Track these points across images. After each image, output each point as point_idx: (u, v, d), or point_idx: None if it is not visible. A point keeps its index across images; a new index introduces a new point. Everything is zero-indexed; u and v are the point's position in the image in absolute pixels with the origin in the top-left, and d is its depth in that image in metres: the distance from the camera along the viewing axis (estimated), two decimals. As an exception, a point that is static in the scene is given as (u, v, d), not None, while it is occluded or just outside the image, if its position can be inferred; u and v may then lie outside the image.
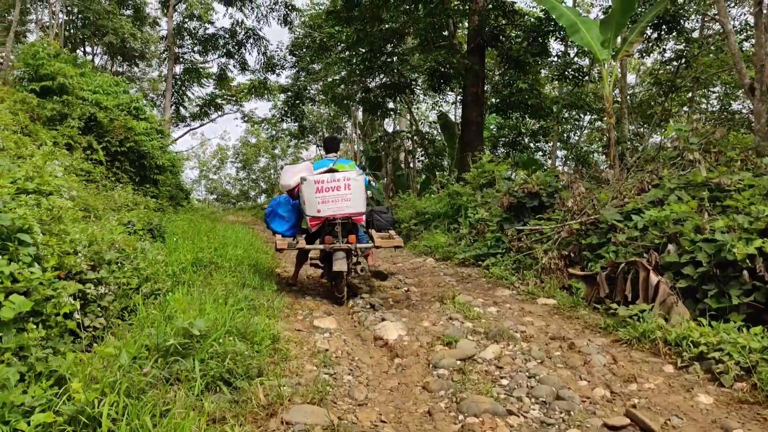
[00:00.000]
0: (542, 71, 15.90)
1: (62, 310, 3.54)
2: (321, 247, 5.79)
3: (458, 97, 21.61)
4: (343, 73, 16.07)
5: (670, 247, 5.08)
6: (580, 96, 13.95)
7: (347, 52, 15.36)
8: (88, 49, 29.54)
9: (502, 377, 3.61)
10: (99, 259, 4.79)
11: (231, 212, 33.95)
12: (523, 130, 17.46)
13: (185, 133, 38.44)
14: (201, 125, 35.28)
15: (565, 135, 21.92)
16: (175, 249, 6.66)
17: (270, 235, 7.00)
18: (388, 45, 14.98)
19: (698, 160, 5.83)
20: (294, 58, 21.93)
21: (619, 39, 10.02)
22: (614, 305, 4.77)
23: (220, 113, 35.48)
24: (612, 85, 9.72)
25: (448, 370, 3.69)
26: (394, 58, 14.55)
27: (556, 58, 14.53)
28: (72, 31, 26.31)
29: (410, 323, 4.79)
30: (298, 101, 19.05)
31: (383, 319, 4.87)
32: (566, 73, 13.48)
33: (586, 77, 14.09)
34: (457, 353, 3.96)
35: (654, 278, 4.76)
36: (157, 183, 17.27)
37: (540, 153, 22.18)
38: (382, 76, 16.22)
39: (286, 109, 19.43)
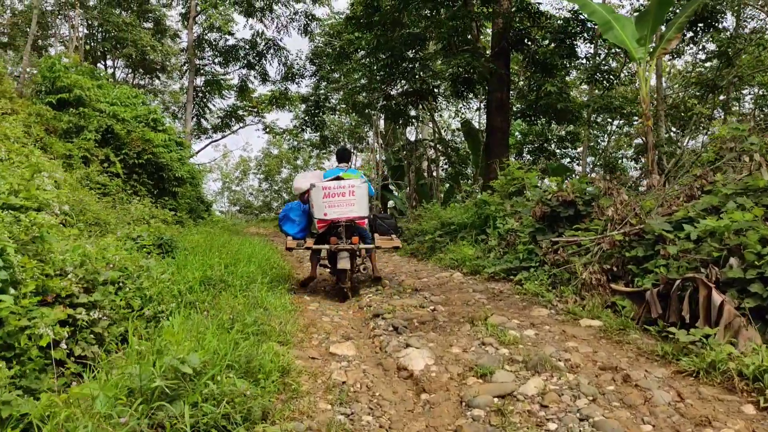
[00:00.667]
0: (570, 74, 15.25)
1: (40, 342, 3.10)
2: (326, 247, 6.50)
3: (482, 104, 21.06)
4: (363, 81, 15.62)
5: (732, 261, 4.48)
6: (612, 99, 13.26)
7: (367, 59, 14.93)
8: (110, 62, 29.70)
9: (548, 419, 3.06)
10: (94, 281, 4.35)
11: (253, 224, 33.73)
12: (550, 137, 16.78)
13: (207, 145, 38.57)
14: (222, 137, 35.25)
15: (593, 141, 21.20)
16: (185, 265, 6.23)
17: (285, 246, 7.45)
18: (410, 51, 14.51)
19: (759, 162, 5.21)
20: (314, 67, 21.60)
21: (655, 37, 9.43)
22: (672, 329, 4.17)
23: (241, 125, 35.44)
24: (648, 86, 9.11)
25: (484, 410, 3.16)
26: (416, 64, 14.08)
27: (585, 60, 13.89)
28: (93, 44, 26.42)
29: (438, 349, 4.26)
30: (318, 110, 18.65)
31: (407, 345, 4.34)
32: (596, 75, 12.84)
33: (617, 79, 13.42)
34: (494, 389, 3.42)
35: (717, 297, 4.16)
36: (176, 195, 16.99)
37: (567, 159, 21.51)
38: (403, 82, 15.76)
39: (306, 118, 19.04)
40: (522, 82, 17.34)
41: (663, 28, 9.92)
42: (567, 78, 16.03)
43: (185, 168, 17.98)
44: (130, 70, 30.43)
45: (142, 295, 5.21)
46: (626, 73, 14.25)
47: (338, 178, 6.72)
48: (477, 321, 4.93)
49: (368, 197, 6.60)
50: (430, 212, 10.99)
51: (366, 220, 6.72)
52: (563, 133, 17.19)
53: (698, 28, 11.66)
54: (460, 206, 10.14)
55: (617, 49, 13.54)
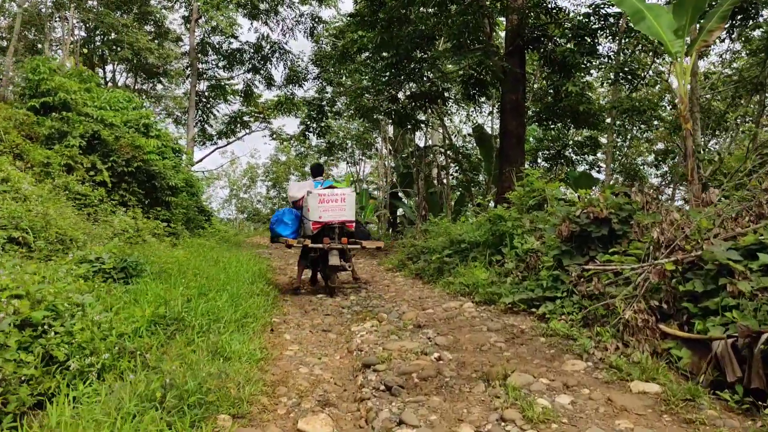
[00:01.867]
0: (591, 74, 14.05)
1: None
2: (320, 246, 7.43)
3: (494, 107, 19.94)
4: (367, 82, 14.56)
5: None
6: (638, 101, 12.05)
7: (371, 59, 13.87)
8: (111, 67, 28.93)
9: None
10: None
11: (260, 232, 32.67)
12: (568, 142, 15.58)
13: (212, 152, 37.72)
14: (228, 143, 34.36)
15: (614, 146, 19.97)
16: (137, 299, 5.17)
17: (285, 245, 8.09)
18: (417, 50, 13.41)
19: None
20: (317, 69, 20.58)
21: (693, 29, 8.30)
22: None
23: (247, 131, 34.59)
24: (687, 84, 7.96)
25: None
26: (423, 64, 12.99)
27: (607, 59, 12.69)
28: (91, 47, 25.61)
29: (442, 425, 3.16)
30: (320, 115, 17.61)
31: (401, 422, 3.23)
32: (622, 74, 11.65)
33: (644, 79, 12.23)
34: None
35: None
36: (170, 205, 15.97)
37: (582, 167, 20.28)
38: (410, 84, 14.68)
39: (308, 122, 18.00)
40: (537, 84, 16.22)
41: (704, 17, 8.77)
42: (586, 78, 14.86)
43: (180, 176, 16.99)
44: (131, 75, 29.67)
45: (73, 340, 4.19)
46: (651, 74, 13.07)
47: (331, 187, 7.83)
48: (493, 379, 3.82)
49: (355, 204, 7.78)
50: (438, 227, 9.86)
51: (354, 224, 7.70)
52: (582, 138, 15.98)
53: (736, 21, 10.48)
54: (473, 222, 9.00)
55: (646, 45, 12.36)
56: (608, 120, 13.95)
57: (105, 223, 11.43)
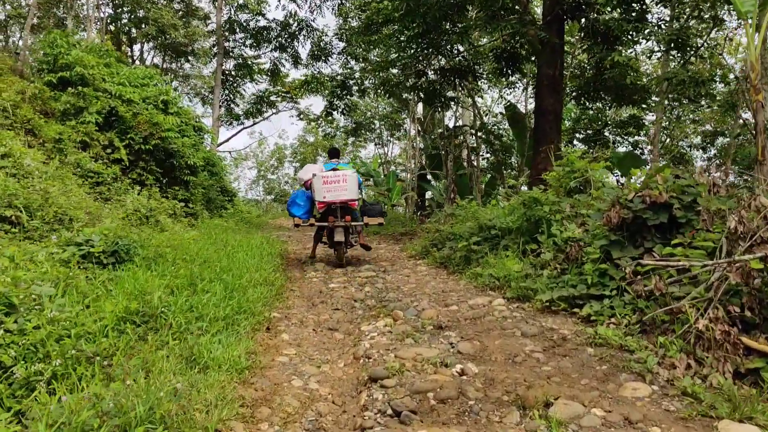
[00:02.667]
0: (639, 45, 12.80)
1: None
2: (326, 224, 8.19)
3: (528, 86, 18.80)
4: (393, 55, 13.62)
5: None
6: (697, 72, 10.81)
7: (397, 30, 12.90)
8: (139, 47, 28.51)
9: None
10: None
11: (286, 214, 32.00)
12: (609, 121, 14.40)
13: (238, 132, 37.35)
14: (254, 123, 33.83)
15: (652, 125, 18.65)
16: (111, 290, 4.47)
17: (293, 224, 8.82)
18: (445, 21, 12.40)
19: None
20: (342, 44, 19.67)
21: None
22: None
23: (274, 111, 33.99)
24: (758, 49, 6.88)
25: None
26: (453, 36, 11.99)
27: (658, 27, 11.44)
28: (117, 25, 25.17)
29: (463, 475, 2.35)
30: (345, 92, 16.73)
31: (408, 470, 2.44)
32: (674, 45, 10.42)
33: (702, 47, 11.01)
34: None
35: None
36: (189, 185, 15.41)
37: (622, 148, 19.00)
38: (439, 58, 13.69)
39: (331, 100, 17.14)
40: (575, 59, 15.06)
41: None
42: (631, 51, 13.64)
43: (199, 155, 16.39)
44: (159, 53, 29.21)
45: (22, 341, 3.53)
46: (709, 43, 11.82)
47: (334, 170, 8.42)
48: (531, 407, 2.99)
49: (358, 184, 8.34)
50: (467, 211, 8.97)
51: (356, 202, 8.39)
52: (625, 116, 14.78)
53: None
54: (505, 206, 8.07)
55: (704, 10, 11.09)
56: (655, 98, 12.73)
57: (117, 203, 10.90)
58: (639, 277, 4.51)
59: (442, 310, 5.25)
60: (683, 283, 4.27)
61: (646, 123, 16.42)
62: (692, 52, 10.84)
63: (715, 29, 11.35)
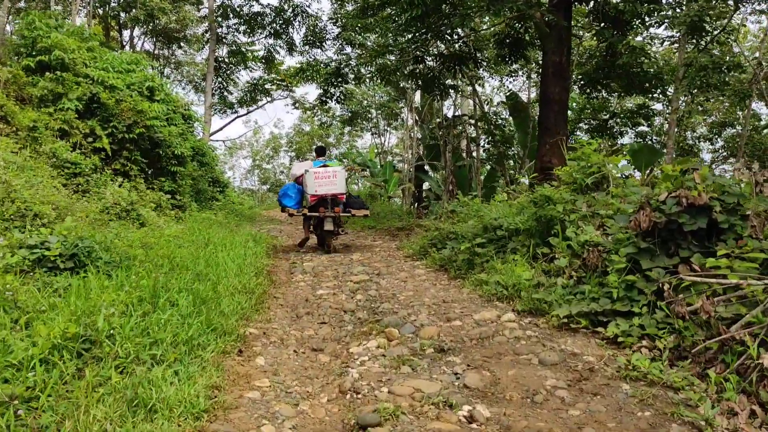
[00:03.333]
0: (653, 28, 12.01)
1: None
2: (317, 214, 9.09)
3: (531, 74, 18.05)
4: (390, 39, 12.86)
5: None
6: (719, 58, 10.07)
7: (394, 13, 12.14)
8: (129, 33, 27.62)
9: None
10: None
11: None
12: (616, 111, 13.67)
13: (232, 121, 36.54)
14: (248, 112, 33.04)
15: (666, 116, 17.91)
16: (55, 305, 3.78)
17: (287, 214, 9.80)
18: (445, 3, 11.64)
19: None
20: (336, 29, 18.85)
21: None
22: None
23: (269, 99, 33.18)
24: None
25: None
26: (453, 19, 11.24)
27: (672, 11, 10.70)
28: (105, 8, 24.28)
29: None
30: (339, 79, 15.97)
31: None
32: (696, 26, 9.67)
33: (723, 30, 10.25)
34: None
35: None
36: (176, 176, 14.67)
37: (630, 140, 18.27)
38: (438, 43, 12.94)
39: (325, 87, 16.39)
40: (581, 45, 14.31)
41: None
42: (643, 37, 12.89)
43: (188, 144, 15.62)
44: (149, 38, 28.33)
45: None
46: (730, 25, 11.08)
47: (325, 166, 9.40)
48: (562, 476, 2.32)
49: (346, 179, 9.26)
50: (469, 208, 8.27)
51: (345, 196, 9.33)
52: (634, 105, 14.05)
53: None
54: (513, 203, 7.35)
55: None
56: (670, 89, 12.00)
57: (96, 195, 10.21)
58: (680, 294, 3.82)
59: (443, 326, 4.56)
60: (731, 302, 3.60)
61: (656, 112, 15.69)
62: (713, 36, 10.10)
63: (737, 12, 10.62)
